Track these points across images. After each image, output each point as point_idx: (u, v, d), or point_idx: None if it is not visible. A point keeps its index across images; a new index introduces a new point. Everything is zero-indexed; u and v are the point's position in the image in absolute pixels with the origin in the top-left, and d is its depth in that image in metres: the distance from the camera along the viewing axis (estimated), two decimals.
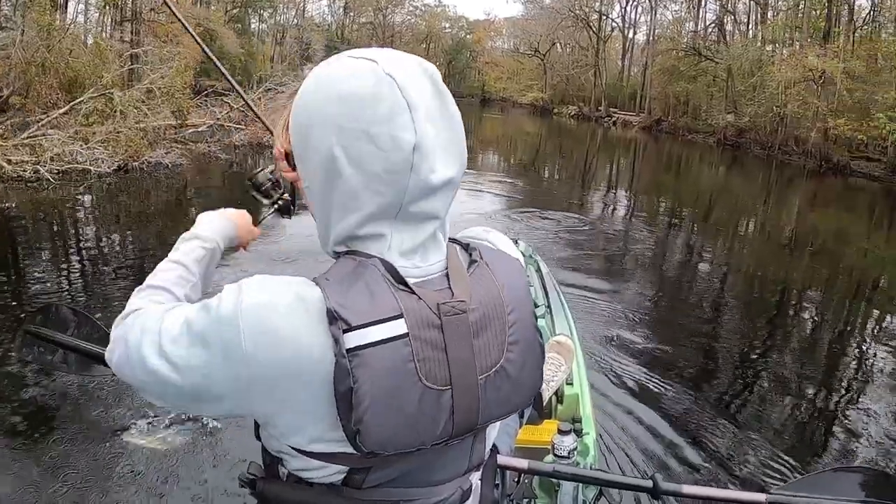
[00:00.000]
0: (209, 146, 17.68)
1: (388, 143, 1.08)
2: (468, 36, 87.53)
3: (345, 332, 1.03)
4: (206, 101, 21.43)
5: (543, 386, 2.80)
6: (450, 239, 1.25)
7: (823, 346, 8.09)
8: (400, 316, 1.07)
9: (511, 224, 12.77)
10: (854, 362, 7.56)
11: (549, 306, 4.61)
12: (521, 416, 2.03)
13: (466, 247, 1.25)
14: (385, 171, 1.09)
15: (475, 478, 1.33)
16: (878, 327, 9.00)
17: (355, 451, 1.08)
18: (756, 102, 36.24)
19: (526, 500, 2.54)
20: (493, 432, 1.35)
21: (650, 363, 6.53)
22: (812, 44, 35.47)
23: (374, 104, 1.07)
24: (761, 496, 1.84)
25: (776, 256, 13.43)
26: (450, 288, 1.15)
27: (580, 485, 2.69)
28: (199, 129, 19.40)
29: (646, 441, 5.00)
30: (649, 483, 1.95)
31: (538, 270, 5.43)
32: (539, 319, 4.02)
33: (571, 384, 3.54)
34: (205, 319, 1.09)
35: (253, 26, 59.41)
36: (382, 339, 1.05)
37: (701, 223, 16.65)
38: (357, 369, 1.03)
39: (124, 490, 4.03)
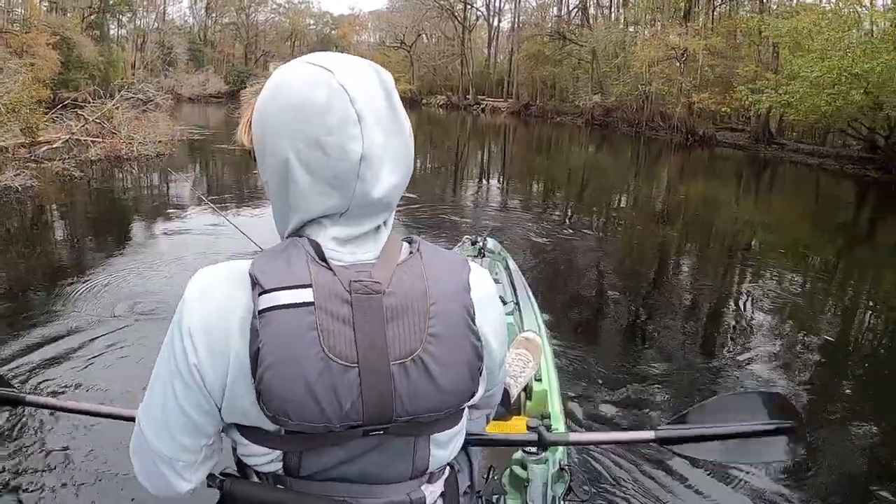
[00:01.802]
0: (63, 164, 16.10)
1: (337, 152, 1.14)
2: (333, 32, 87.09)
3: (260, 294, 1.10)
4: (62, 114, 19.83)
5: (511, 382, 2.82)
6: (404, 238, 1.29)
7: (703, 305, 8.28)
8: (309, 285, 1.12)
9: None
10: (731, 318, 7.85)
11: (517, 303, 4.59)
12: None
13: (411, 242, 1.27)
14: (334, 177, 1.16)
15: (430, 491, 1.31)
16: (751, 285, 9.32)
17: (266, 415, 1.11)
18: (622, 82, 37.25)
19: (496, 497, 2.59)
20: (445, 450, 1.31)
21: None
22: (673, 23, 36.64)
23: (325, 115, 1.13)
24: (650, 433, 1.80)
25: (651, 227, 13.47)
26: (371, 272, 1.18)
27: (549, 480, 2.70)
28: (54, 146, 17.66)
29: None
30: (535, 437, 1.93)
31: (507, 268, 5.39)
32: (507, 316, 4.12)
33: (540, 380, 3.54)
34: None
35: (112, 32, 57.57)
36: (288, 304, 1.10)
37: (575, 202, 16.66)
38: (263, 329, 1.09)
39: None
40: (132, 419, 1.39)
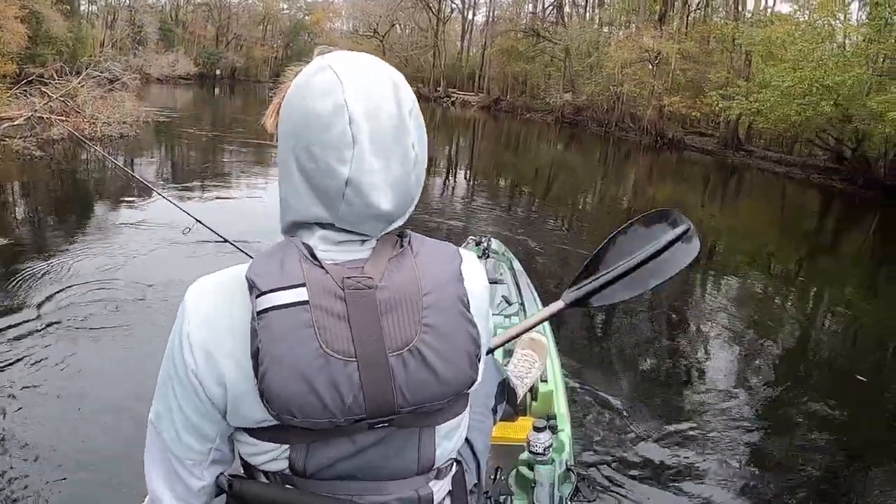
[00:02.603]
0: (24, 142, 15.66)
1: (326, 169, 1.14)
2: (306, 17, 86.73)
3: (257, 297, 1.11)
4: (26, 90, 19.15)
5: (517, 382, 2.90)
6: (397, 233, 1.28)
7: (664, 306, 8.33)
8: (303, 284, 1.13)
9: None
10: (691, 321, 8.05)
11: (521, 303, 4.61)
12: (495, 413, 1.95)
13: (402, 236, 1.27)
14: (321, 191, 1.17)
15: (438, 488, 1.32)
16: (712, 288, 9.56)
17: (271, 414, 1.13)
18: (593, 82, 37.41)
19: (503, 497, 2.59)
20: (450, 441, 1.32)
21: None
22: (648, 26, 36.78)
23: (325, 129, 1.13)
24: (559, 303, 1.90)
25: (616, 226, 13.23)
26: (363, 269, 1.19)
27: (556, 481, 2.73)
28: (16, 123, 17.14)
29: (621, 435, 5.00)
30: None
31: (511, 268, 5.39)
32: (513, 317, 4.27)
33: (546, 381, 3.48)
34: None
35: (83, 8, 56.67)
36: (284, 304, 1.11)
37: (541, 199, 16.67)
38: (262, 330, 1.10)
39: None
40: None
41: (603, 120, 37.36)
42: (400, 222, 1.26)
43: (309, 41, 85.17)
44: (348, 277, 1.15)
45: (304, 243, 1.19)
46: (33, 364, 5.08)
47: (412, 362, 1.16)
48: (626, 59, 34.04)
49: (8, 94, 18.18)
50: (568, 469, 2.84)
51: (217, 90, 62.11)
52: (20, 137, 15.82)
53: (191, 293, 1.20)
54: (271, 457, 1.22)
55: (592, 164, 26.01)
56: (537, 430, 2.76)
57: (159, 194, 4.85)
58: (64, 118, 17.58)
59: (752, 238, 14.04)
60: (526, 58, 47.73)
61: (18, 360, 5.09)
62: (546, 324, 4.24)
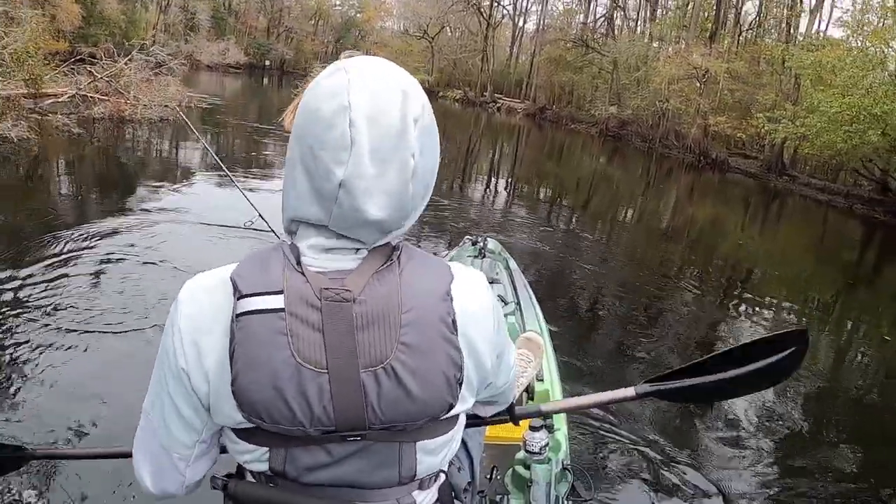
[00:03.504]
0: (66, 119, 15.81)
1: (323, 170, 1.15)
2: (358, 14, 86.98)
3: (238, 298, 1.14)
4: (73, 69, 19.30)
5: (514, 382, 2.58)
6: (393, 244, 1.27)
7: (698, 325, 8.24)
8: (281, 291, 1.14)
9: None
10: (722, 343, 7.74)
11: (518, 303, 4.57)
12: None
13: (395, 249, 1.25)
14: (318, 191, 1.17)
15: (422, 498, 1.33)
16: (747, 312, 9.22)
17: (242, 416, 1.15)
18: (640, 96, 37.04)
19: (499, 497, 2.69)
20: (434, 457, 1.31)
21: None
22: (698, 43, 36.36)
23: (327, 130, 1.14)
24: (629, 390, 1.81)
25: (654, 245, 13.42)
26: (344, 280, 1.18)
27: (553, 479, 2.73)
28: (60, 100, 17.52)
29: (617, 435, 4.95)
30: (506, 415, 1.86)
31: (507, 268, 5.34)
32: (509, 317, 4.21)
33: (542, 380, 3.55)
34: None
35: None
36: (261, 309, 1.13)
37: (581, 210, 16.57)
38: (238, 333, 1.13)
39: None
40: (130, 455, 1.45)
41: (647, 135, 36.98)
42: (398, 233, 1.26)
43: (359, 38, 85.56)
44: (326, 288, 1.16)
45: (293, 247, 1.21)
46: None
47: (386, 380, 1.16)
48: (674, 75, 33.67)
49: (55, 72, 18.31)
50: (564, 468, 2.84)
51: (266, 80, 62.12)
52: (61, 114, 16.01)
53: (185, 289, 1.23)
54: (254, 457, 1.24)
55: (634, 179, 25.84)
56: (533, 429, 2.75)
57: (233, 182, 4.83)
58: (107, 98, 17.85)
59: (790, 264, 13.90)
60: (574, 68, 47.38)
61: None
62: (542, 323, 4.47)
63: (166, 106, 17.61)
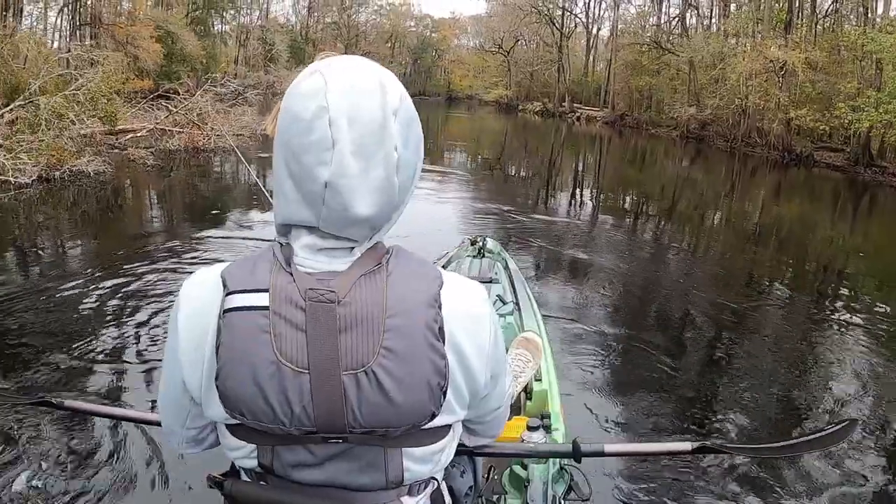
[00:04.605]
0: (141, 152, 17.05)
1: (308, 172, 1.17)
2: (433, 34, 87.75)
3: (226, 295, 1.18)
4: (152, 105, 20.74)
5: (512, 381, 2.57)
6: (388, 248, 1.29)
7: (791, 335, 7.93)
8: (267, 290, 1.17)
9: (477, 224, 12.63)
10: (820, 350, 7.42)
11: (516, 303, 4.50)
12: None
13: (387, 252, 1.27)
14: (305, 193, 1.19)
15: (411, 503, 1.33)
16: (843, 315, 8.79)
17: (226, 411, 1.20)
18: (718, 95, 36.00)
19: (496, 496, 2.65)
20: (424, 465, 1.32)
21: (618, 356, 6.59)
22: (774, 35, 35.39)
23: (308, 132, 1.15)
24: (687, 444, 1.81)
25: (742, 247, 13.26)
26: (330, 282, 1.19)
27: (550, 479, 2.71)
28: (139, 135, 18.76)
29: (617, 435, 4.99)
30: (569, 447, 1.87)
31: (506, 268, 5.32)
32: (507, 316, 4.16)
33: (540, 380, 3.50)
34: None
35: (216, 27, 59.15)
36: (246, 306, 1.16)
37: (666, 216, 16.50)
38: (224, 328, 1.16)
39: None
40: (157, 423, 1.65)
41: (728, 135, 36.12)
42: (387, 228, 1.28)
43: (436, 57, 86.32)
44: (312, 289, 1.16)
45: (286, 248, 1.24)
46: None
47: (367, 384, 1.16)
48: (751, 70, 32.75)
49: (136, 109, 19.62)
50: (562, 468, 2.77)
51: None
52: (137, 148, 17.21)
53: (186, 284, 1.27)
54: (243, 454, 1.28)
55: (718, 181, 25.43)
56: (531, 429, 2.68)
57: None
58: (182, 130, 18.92)
59: (886, 261, 13.31)
60: (650, 71, 46.67)
61: None
62: (541, 323, 4.41)
63: (239, 135, 18.46)
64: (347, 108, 1.14)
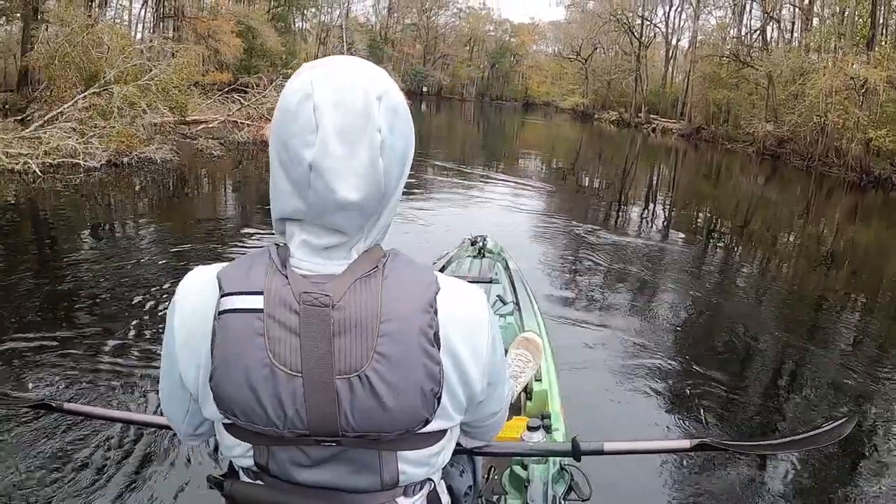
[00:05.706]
0: (210, 143, 17.85)
1: (294, 156, 1.17)
2: (512, 39, 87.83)
3: (222, 296, 1.18)
4: (226, 97, 21.59)
5: (511, 382, 2.75)
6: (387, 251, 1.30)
7: (860, 366, 7.41)
8: (262, 292, 1.17)
9: (539, 232, 12.85)
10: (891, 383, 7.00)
11: (517, 303, 4.52)
12: None
13: (384, 256, 1.27)
14: (293, 181, 1.19)
15: None
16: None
17: (220, 411, 1.21)
18: (796, 112, 34.94)
19: (496, 496, 2.63)
20: (419, 468, 1.33)
21: (619, 356, 6.63)
22: (855, 51, 34.43)
23: (294, 119, 1.16)
24: (686, 442, 1.82)
25: (814, 272, 13.02)
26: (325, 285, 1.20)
27: (550, 480, 2.70)
28: (210, 125, 19.52)
29: (617, 435, 5.02)
30: (568, 446, 1.89)
31: (506, 268, 5.34)
32: (507, 317, 4.16)
33: (540, 380, 3.50)
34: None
35: (297, 24, 60.12)
36: (240, 308, 1.16)
37: (738, 235, 16.32)
38: (219, 330, 1.17)
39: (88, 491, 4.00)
40: (163, 426, 1.68)
41: (805, 154, 34.96)
42: (382, 227, 1.29)
43: (514, 62, 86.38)
44: (306, 292, 1.16)
45: (283, 249, 1.24)
46: None
47: (360, 389, 1.16)
48: (831, 87, 31.63)
49: (210, 100, 20.43)
50: (562, 468, 2.74)
51: (423, 106, 63.48)
52: (205, 138, 18.00)
53: (183, 282, 1.26)
54: (239, 452, 1.28)
55: (794, 202, 24.83)
56: (531, 429, 2.69)
57: None
58: (251, 123, 19.66)
59: None
60: (729, 85, 45.72)
61: None
62: (541, 323, 4.41)
63: None
64: (331, 94, 1.15)
